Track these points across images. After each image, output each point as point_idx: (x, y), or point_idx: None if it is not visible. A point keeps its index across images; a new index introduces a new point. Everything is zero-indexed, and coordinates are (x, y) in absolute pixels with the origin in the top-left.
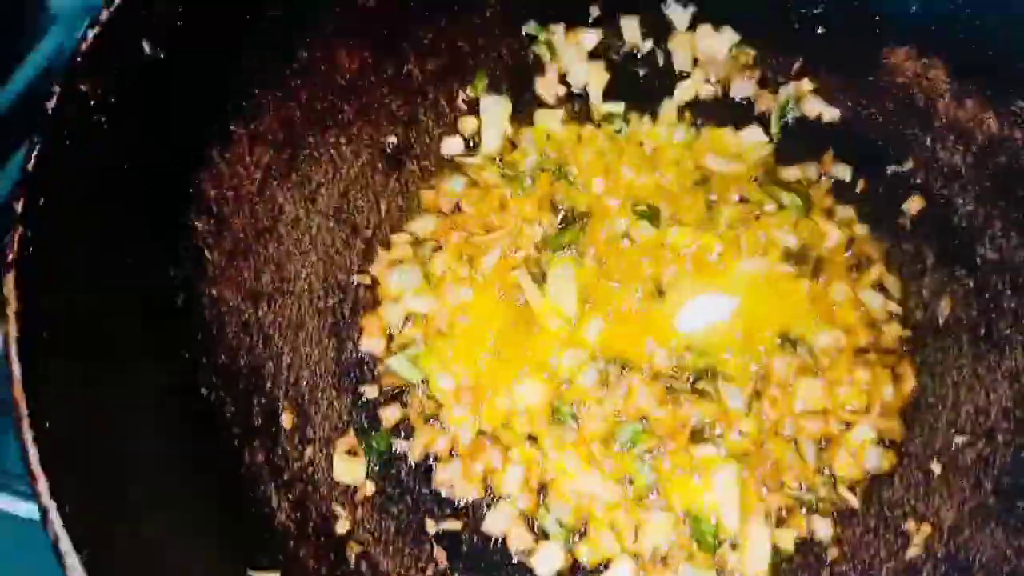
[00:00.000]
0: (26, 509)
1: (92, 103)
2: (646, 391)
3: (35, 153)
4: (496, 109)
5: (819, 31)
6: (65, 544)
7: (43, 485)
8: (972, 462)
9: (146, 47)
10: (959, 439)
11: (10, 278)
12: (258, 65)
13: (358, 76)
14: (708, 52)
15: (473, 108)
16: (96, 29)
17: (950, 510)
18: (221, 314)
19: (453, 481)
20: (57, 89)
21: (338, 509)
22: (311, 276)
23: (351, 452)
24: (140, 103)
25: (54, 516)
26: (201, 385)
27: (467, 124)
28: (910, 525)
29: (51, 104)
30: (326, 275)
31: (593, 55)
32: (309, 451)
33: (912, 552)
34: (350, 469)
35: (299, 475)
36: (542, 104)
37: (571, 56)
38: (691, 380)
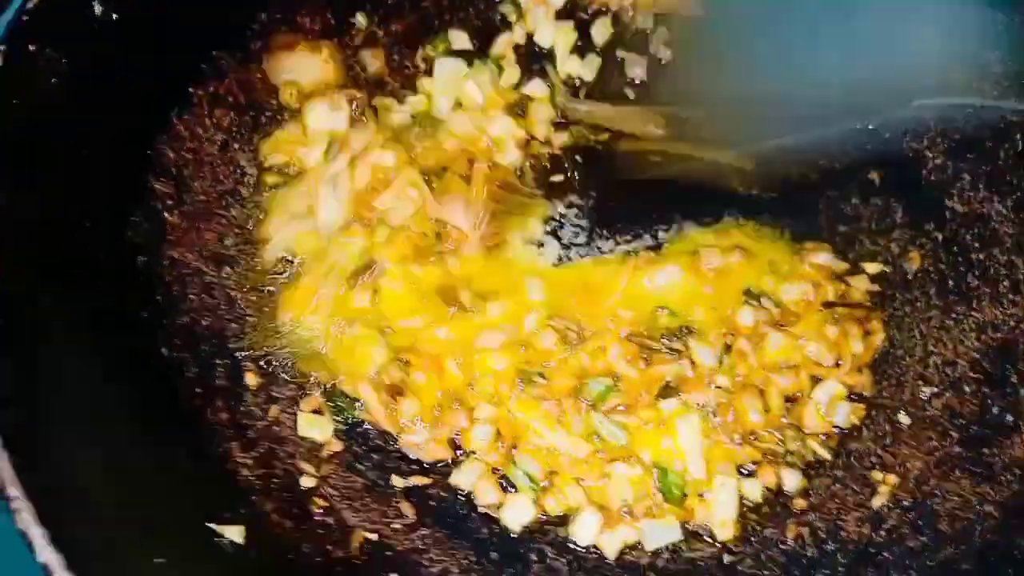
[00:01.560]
0: None
1: (42, 63)
2: (618, 350)
3: None
4: (451, 73)
5: None
6: (15, 492)
7: None
8: (939, 413)
9: (96, 8)
10: (927, 390)
11: None
12: (216, 26)
13: (320, 38)
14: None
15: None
16: None
17: (917, 460)
18: (183, 276)
19: (420, 445)
20: (3, 48)
21: (303, 465)
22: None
23: (317, 411)
24: (94, 65)
25: (4, 465)
26: (162, 346)
27: (426, 84)
28: (877, 475)
29: None
30: None
31: (561, 15)
32: (274, 410)
33: (878, 501)
34: (316, 427)
35: (264, 433)
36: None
37: (538, 16)
38: (664, 339)
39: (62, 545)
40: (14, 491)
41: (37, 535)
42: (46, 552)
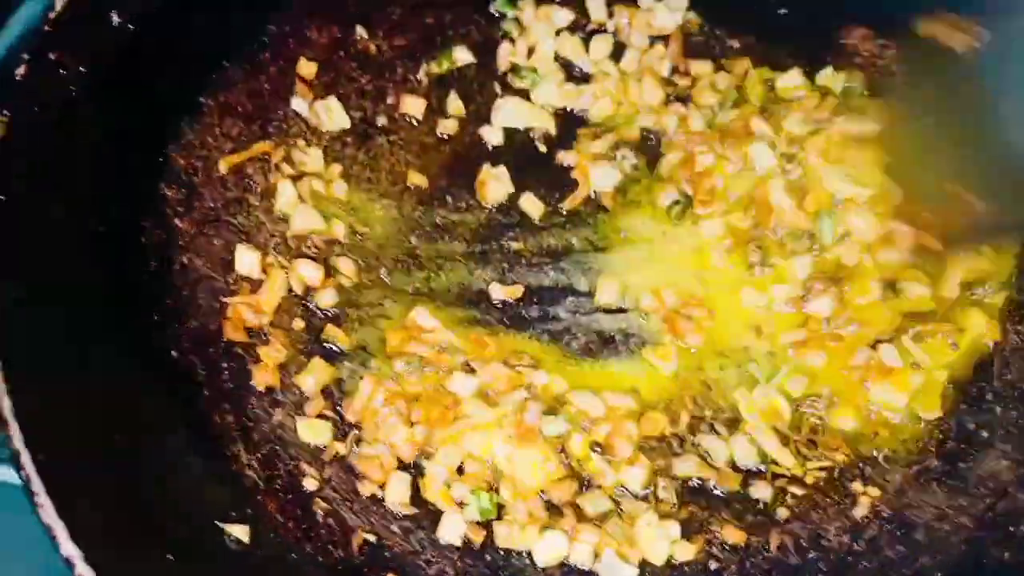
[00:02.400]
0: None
1: (62, 72)
2: None
3: (5, 120)
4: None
5: (779, 11)
6: (38, 487)
7: (16, 431)
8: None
9: (114, 18)
10: None
11: None
12: (227, 38)
13: (327, 51)
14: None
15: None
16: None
17: (896, 473)
18: (192, 281)
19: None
20: (26, 57)
21: (306, 468)
22: (281, 247)
23: (320, 416)
24: (110, 73)
25: (27, 461)
26: (171, 348)
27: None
28: (858, 487)
29: (20, 72)
30: (298, 246)
31: (562, 32)
32: (278, 413)
33: (859, 512)
34: (317, 432)
35: (268, 436)
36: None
37: (540, 33)
38: None
39: (81, 540)
40: (37, 488)
41: (60, 529)
42: (68, 545)
